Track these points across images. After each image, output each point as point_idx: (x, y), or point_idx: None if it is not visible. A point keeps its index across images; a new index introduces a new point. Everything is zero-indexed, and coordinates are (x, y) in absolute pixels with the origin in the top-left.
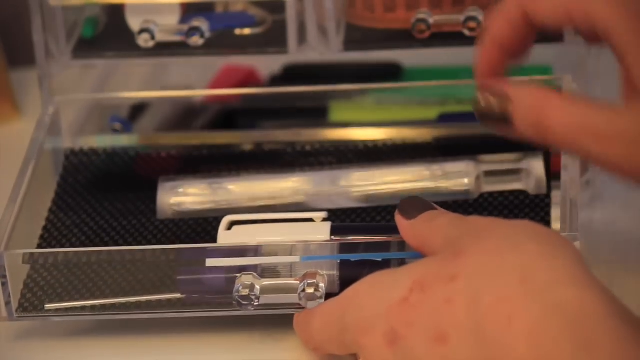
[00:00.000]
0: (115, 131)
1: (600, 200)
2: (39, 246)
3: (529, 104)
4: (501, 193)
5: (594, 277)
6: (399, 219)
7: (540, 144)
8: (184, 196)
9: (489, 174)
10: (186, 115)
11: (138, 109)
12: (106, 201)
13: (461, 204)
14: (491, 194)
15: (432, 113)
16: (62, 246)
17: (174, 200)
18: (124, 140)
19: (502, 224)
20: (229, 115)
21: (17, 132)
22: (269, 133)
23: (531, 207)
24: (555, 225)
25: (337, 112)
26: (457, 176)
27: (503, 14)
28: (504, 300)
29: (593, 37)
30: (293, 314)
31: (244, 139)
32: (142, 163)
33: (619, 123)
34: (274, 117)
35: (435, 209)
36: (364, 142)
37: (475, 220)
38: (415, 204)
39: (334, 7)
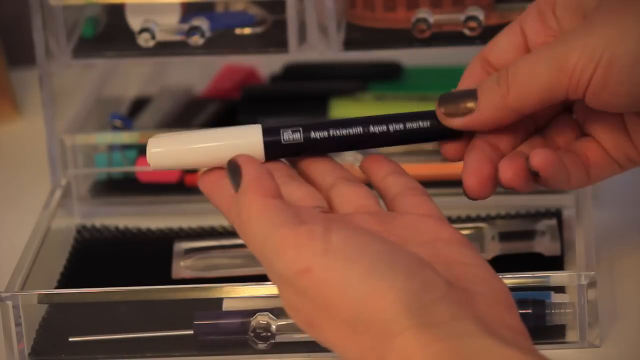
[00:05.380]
0: (115, 128)
1: (600, 200)
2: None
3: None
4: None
5: None
6: None
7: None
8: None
9: (503, 236)
10: (187, 111)
11: (138, 106)
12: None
13: None
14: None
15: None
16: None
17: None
18: (124, 137)
19: (344, 308)
20: (229, 111)
21: (17, 132)
22: None
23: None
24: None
25: (338, 108)
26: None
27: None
28: None
29: None
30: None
31: None
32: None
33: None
34: (275, 112)
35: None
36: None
37: (320, 287)
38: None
39: (334, 6)
